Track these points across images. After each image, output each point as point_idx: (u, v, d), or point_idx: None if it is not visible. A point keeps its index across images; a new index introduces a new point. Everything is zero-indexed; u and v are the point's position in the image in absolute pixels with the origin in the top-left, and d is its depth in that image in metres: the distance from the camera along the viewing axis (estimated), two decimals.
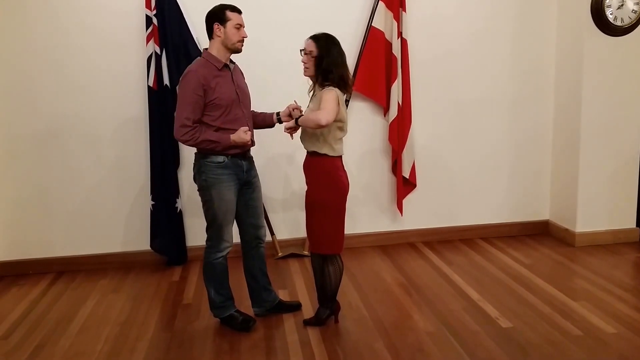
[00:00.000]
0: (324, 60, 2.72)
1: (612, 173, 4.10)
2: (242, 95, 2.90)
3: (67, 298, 3.49)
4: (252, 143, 2.92)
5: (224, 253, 2.94)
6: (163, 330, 3.02)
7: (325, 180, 2.80)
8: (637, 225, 4.21)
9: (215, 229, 2.90)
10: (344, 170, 2.89)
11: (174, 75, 3.73)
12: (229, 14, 2.77)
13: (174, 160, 3.86)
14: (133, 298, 3.45)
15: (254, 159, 3.03)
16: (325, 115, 2.63)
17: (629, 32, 3.93)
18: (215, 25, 2.77)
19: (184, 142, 2.78)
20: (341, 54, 2.77)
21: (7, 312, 3.31)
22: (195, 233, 4.03)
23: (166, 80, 3.71)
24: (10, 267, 3.88)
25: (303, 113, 2.94)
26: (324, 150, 2.78)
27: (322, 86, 2.76)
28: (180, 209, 3.91)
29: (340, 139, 2.84)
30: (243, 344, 2.83)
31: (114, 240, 3.98)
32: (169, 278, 3.76)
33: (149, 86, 3.71)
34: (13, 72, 3.70)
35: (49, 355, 2.78)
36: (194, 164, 2.92)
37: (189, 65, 2.85)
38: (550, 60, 4.25)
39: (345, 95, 2.84)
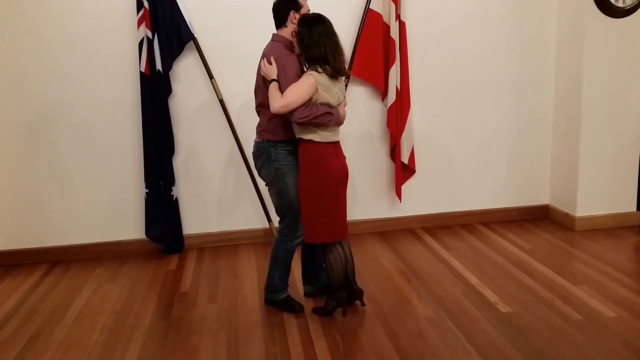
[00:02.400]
0: (305, 39, 2.66)
1: (612, 156, 4.06)
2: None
3: (62, 288, 3.45)
4: None
5: (300, 240, 2.92)
6: (160, 319, 2.99)
7: (313, 167, 2.73)
8: (637, 209, 4.18)
9: (291, 217, 2.88)
10: (339, 157, 2.81)
11: (167, 60, 3.67)
12: (300, 1, 2.81)
13: (169, 148, 3.80)
14: (129, 287, 3.42)
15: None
16: (276, 103, 2.61)
17: (631, 13, 3.86)
18: (292, 13, 2.78)
19: (304, 119, 2.63)
20: (325, 34, 2.66)
21: (1, 302, 3.28)
22: (192, 221, 4.01)
23: (158, 66, 3.63)
24: (3, 257, 3.84)
25: None
26: (309, 136, 2.71)
27: (307, 68, 2.71)
28: (176, 197, 3.86)
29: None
30: (240, 332, 2.80)
31: (109, 229, 3.94)
32: (166, 267, 3.72)
33: (141, 72, 3.64)
34: (1, 60, 3.63)
35: (44, 346, 2.75)
36: (259, 154, 2.87)
37: (278, 50, 2.78)
38: (550, 43, 4.18)
39: (337, 78, 2.74)
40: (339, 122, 2.76)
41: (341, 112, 2.78)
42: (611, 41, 3.90)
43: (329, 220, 2.79)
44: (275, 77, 2.70)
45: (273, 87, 2.68)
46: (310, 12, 2.84)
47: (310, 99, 2.65)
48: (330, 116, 2.69)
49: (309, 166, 2.74)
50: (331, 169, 2.75)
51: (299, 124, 2.68)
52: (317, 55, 2.65)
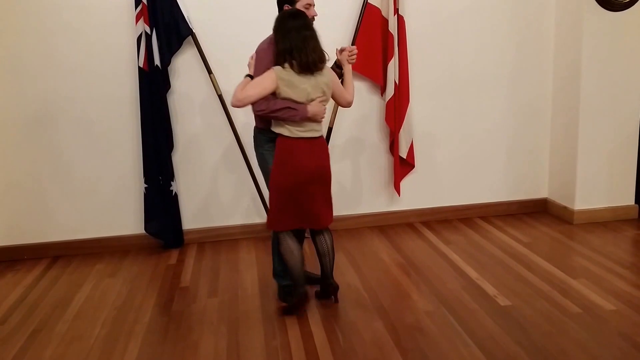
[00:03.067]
0: (276, 34, 2.68)
1: (611, 150, 4.07)
2: None
3: (63, 283, 3.47)
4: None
5: None
6: (160, 313, 3.01)
7: (282, 161, 2.74)
8: (636, 202, 4.19)
9: None
10: (312, 154, 2.74)
11: (165, 55, 3.67)
12: None
13: (168, 143, 3.80)
14: (130, 282, 3.43)
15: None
16: (233, 97, 2.65)
17: (629, 6, 3.86)
18: (286, 7, 2.78)
19: (261, 113, 2.68)
20: (294, 29, 2.62)
21: (3, 297, 3.29)
22: (191, 216, 4.02)
23: (157, 61, 3.63)
24: (5, 252, 3.85)
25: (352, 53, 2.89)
26: (279, 130, 2.73)
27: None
28: (175, 192, 3.87)
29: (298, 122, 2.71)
30: (241, 325, 2.82)
31: (110, 224, 3.95)
32: (166, 261, 3.74)
33: (139, 67, 3.64)
34: (1, 55, 3.63)
35: (46, 340, 2.77)
36: (253, 137, 2.97)
37: (263, 43, 2.83)
38: (549, 37, 4.18)
39: (312, 73, 2.66)
40: (305, 118, 2.68)
41: (311, 109, 2.67)
42: (609, 35, 3.90)
43: (278, 211, 2.80)
44: (251, 72, 2.78)
45: (241, 81, 2.72)
46: (313, 4, 2.82)
47: (274, 93, 2.66)
48: (291, 111, 2.65)
49: (278, 160, 2.76)
50: (298, 166, 2.72)
51: (258, 116, 2.74)
52: (283, 50, 2.64)
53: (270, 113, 2.68)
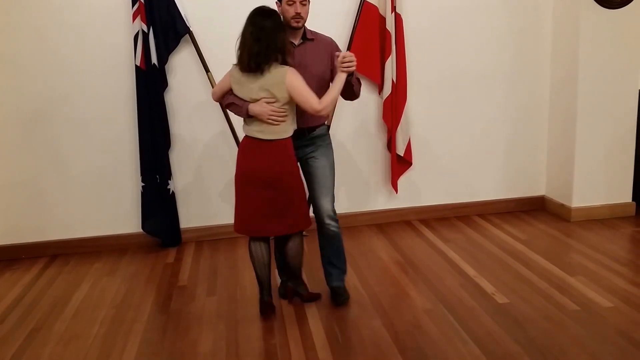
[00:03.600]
0: None
1: (608, 147, 4.08)
2: (302, 72, 2.68)
3: (61, 281, 3.46)
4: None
5: None
6: (159, 312, 3.01)
7: (237, 157, 2.79)
8: (633, 200, 4.21)
9: None
10: (261, 155, 2.67)
11: (162, 54, 3.67)
12: None
13: (165, 141, 3.80)
14: (128, 280, 3.43)
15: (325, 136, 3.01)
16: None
17: (626, 4, 3.86)
18: (276, 4, 2.79)
19: (222, 107, 3.05)
20: (245, 27, 2.61)
21: (1, 296, 3.29)
22: (189, 214, 4.02)
23: (154, 59, 3.63)
24: (3, 251, 3.85)
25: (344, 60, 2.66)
26: (243, 127, 2.79)
27: None
28: (172, 190, 3.87)
29: (250, 120, 2.69)
30: (240, 324, 2.82)
31: (108, 222, 3.94)
32: (164, 260, 3.74)
33: (136, 65, 3.63)
34: None
35: (45, 339, 2.77)
36: None
37: None
38: (546, 34, 4.19)
39: (261, 73, 2.58)
40: (247, 116, 2.67)
41: (252, 107, 2.62)
42: (606, 32, 3.90)
43: (238, 212, 2.80)
44: None
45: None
46: (300, 1, 2.69)
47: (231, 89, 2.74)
48: (235, 107, 2.73)
49: (237, 157, 2.80)
50: (241, 165, 2.74)
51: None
52: (237, 48, 2.67)
53: (225, 108, 2.89)
